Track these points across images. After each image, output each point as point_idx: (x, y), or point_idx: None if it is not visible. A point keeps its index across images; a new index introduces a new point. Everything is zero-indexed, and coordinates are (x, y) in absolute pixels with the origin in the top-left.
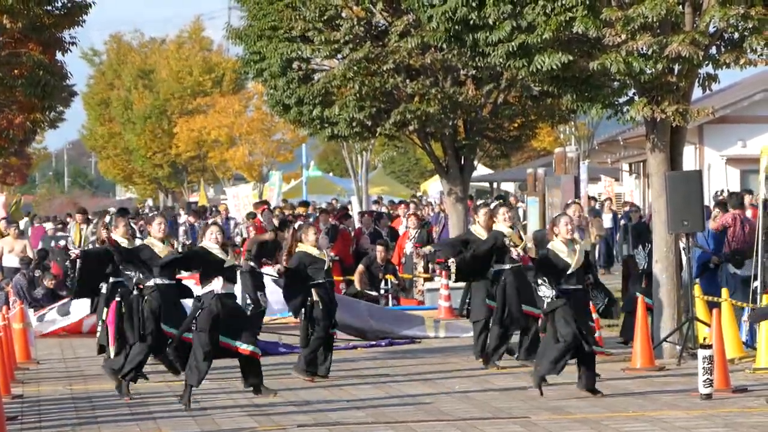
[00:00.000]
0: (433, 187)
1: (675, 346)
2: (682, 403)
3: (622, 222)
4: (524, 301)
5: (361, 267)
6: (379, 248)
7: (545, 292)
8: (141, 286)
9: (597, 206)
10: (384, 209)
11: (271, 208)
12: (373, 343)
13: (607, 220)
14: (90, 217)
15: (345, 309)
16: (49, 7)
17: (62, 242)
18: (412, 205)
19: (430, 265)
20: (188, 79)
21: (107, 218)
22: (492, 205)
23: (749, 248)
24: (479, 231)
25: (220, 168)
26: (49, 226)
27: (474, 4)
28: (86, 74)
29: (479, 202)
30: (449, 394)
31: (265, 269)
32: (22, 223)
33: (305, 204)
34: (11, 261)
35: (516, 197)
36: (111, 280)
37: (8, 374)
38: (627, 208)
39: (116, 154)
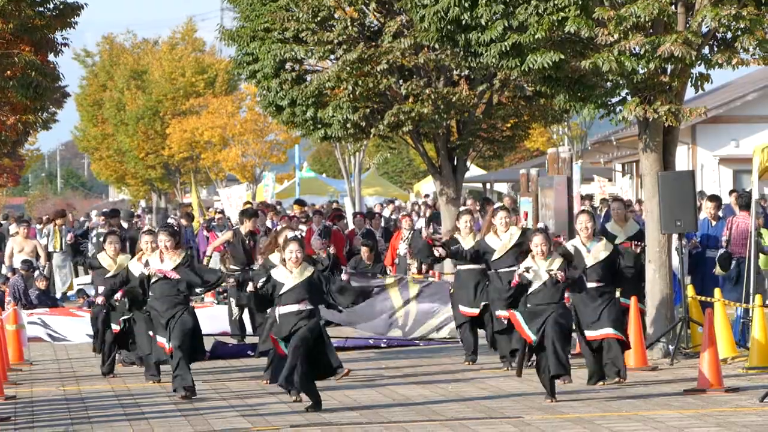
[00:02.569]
0: (426, 187)
1: (668, 346)
2: (675, 403)
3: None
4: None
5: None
6: (364, 249)
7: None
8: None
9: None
10: (385, 212)
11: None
12: (371, 341)
13: None
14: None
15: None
16: (40, 9)
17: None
18: (408, 205)
19: (423, 266)
20: (181, 80)
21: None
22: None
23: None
24: None
25: (213, 169)
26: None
27: (466, 4)
28: (79, 75)
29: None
30: (442, 395)
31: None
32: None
33: (301, 203)
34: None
35: (511, 197)
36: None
37: (1, 375)
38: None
39: (109, 155)
